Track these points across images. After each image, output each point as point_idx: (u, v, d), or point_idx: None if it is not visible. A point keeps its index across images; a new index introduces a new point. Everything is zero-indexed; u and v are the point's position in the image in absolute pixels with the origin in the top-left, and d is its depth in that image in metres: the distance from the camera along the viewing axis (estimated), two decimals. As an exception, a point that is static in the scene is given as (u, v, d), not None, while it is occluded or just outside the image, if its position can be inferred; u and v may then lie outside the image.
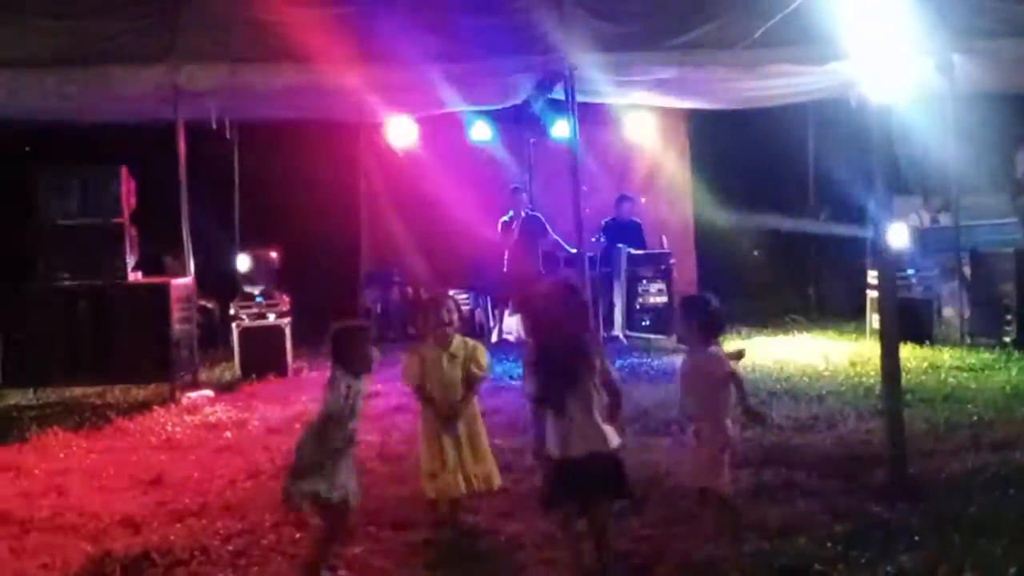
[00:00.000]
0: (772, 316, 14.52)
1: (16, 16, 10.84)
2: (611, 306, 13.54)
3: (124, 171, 10.96)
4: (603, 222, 13.95)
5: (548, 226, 13.25)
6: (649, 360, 11.62)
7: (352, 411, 5.02)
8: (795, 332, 13.43)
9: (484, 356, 5.99)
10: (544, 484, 5.02)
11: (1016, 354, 10.60)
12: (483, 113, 14.72)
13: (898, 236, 11.98)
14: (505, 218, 13.04)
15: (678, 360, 11.04)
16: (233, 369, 11.83)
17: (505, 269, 13.12)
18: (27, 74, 10.66)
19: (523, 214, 12.98)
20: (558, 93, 12.01)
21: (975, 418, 7.82)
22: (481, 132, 15.25)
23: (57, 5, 10.98)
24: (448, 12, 11.25)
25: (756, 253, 16.35)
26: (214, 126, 12.62)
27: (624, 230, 13.84)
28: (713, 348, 5.08)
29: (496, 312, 14.28)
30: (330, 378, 5.08)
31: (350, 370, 5.05)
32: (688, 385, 5.10)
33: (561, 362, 4.79)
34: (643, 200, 14.77)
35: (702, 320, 5.11)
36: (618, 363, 10.74)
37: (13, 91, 10.82)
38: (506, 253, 13.13)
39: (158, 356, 10.51)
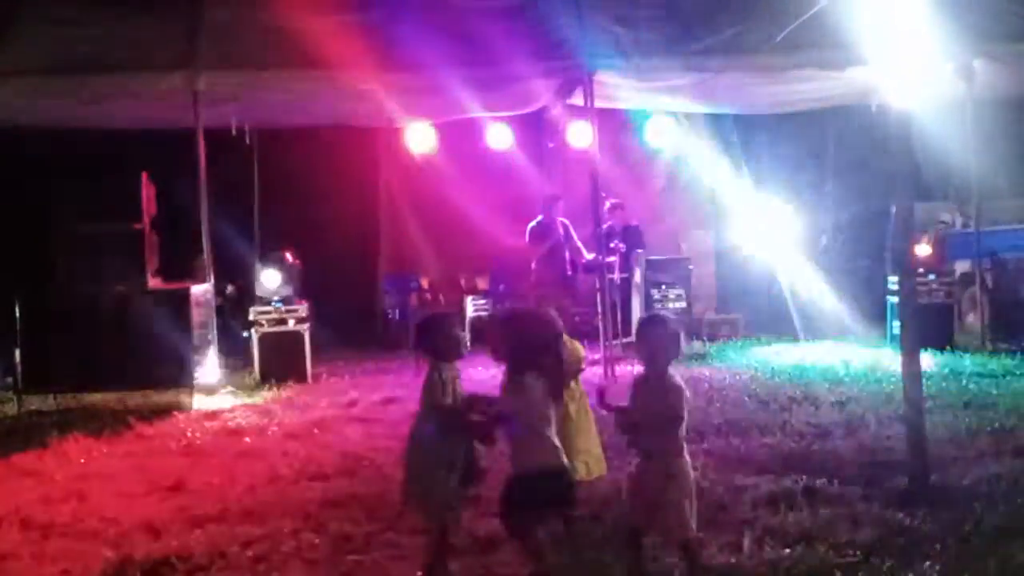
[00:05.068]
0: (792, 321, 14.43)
1: (37, 23, 10.92)
2: (628, 312, 13.45)
3: (144, 177, 11.03)
4: (604, 227, 13.91)
5: (573, 232, 13.15)
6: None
7: (455, 398, 4.92)
8: (815, 338, 13.35)
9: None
10: (511, 498, 4.68)
11: (1038, 360, 10.53)
12: (502, 119, 14.73)
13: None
14: (533, 223, 12.93)
15: (696, 368, 11.20)
16: (253, 375, 11.87)
17: (534, 277, 12.99)
18: (48, 81, 10.74)
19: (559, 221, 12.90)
20: (577, 99, 12.01)
21: (997, 424, 7.76)
22: (500, 138, 15.25)
23: (78, 13, 11.05)
24: (467, 18, 11.27)
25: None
26: (234, 132, 12.67)
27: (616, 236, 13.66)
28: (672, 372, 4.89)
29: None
30: (427, 375, 4.93)
31: (441, 357, 4.95)
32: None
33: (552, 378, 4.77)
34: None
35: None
36: (637, 370, 10.70)
37: (34, 97, 10.89)
38: (534, 260, 13.00)
39: (178, 361, 10.56)
